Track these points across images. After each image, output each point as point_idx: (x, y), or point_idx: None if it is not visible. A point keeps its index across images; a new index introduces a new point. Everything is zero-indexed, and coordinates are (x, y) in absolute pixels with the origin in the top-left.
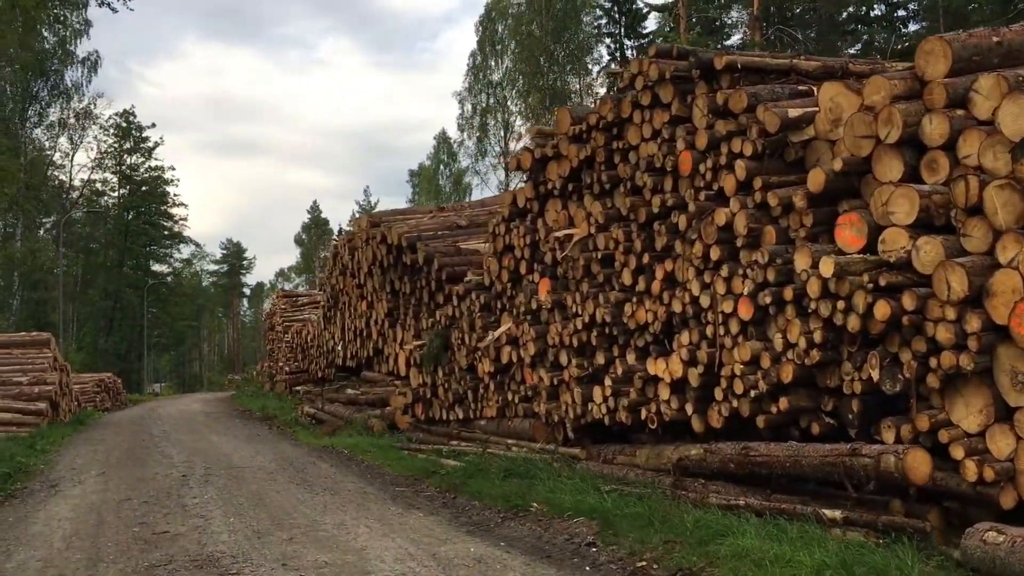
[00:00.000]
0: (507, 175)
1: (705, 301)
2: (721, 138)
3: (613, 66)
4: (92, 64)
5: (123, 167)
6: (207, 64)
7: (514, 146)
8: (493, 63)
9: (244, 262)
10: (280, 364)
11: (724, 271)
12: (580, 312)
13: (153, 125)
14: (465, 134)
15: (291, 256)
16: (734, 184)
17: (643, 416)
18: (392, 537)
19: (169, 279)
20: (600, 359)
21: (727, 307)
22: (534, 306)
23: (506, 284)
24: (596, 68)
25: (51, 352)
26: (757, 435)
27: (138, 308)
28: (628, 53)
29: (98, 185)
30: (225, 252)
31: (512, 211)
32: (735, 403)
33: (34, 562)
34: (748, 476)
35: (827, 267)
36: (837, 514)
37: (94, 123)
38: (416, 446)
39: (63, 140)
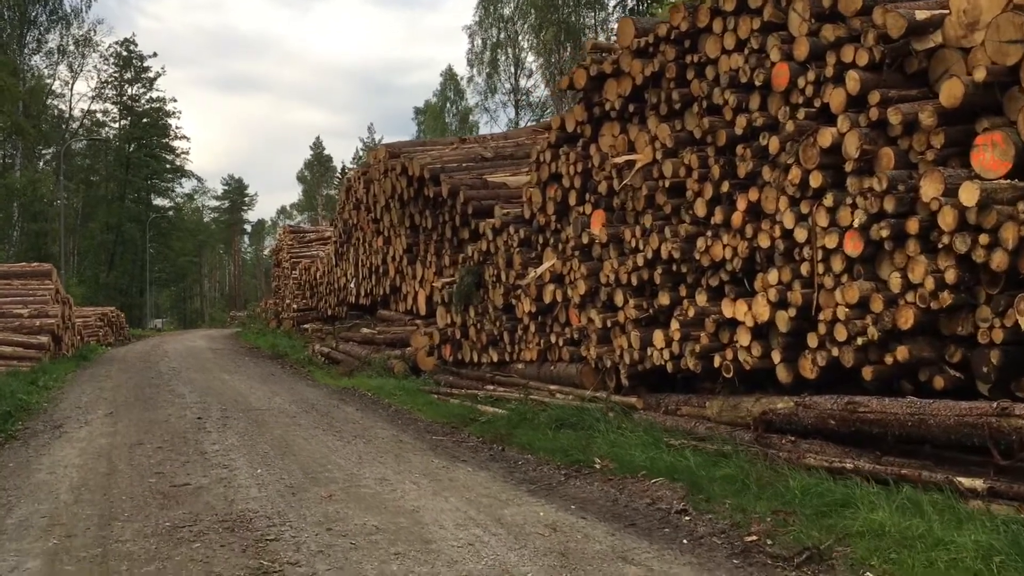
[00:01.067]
0: (517, 113)
1: (801, 235)
2: (828, 46)
3: None
4: None
5: (124, 97)
6: None
7: (525, 83)
8: None
9: (246, 199)
10: (287, 301)
11: (828, 200)
12: (641, 247)
13: (154, 55)
14: (475, 70)
15: (293, 194)
16: (843, 99)
17: (716, 364)
18: (445, 496)
19: (171, 213)
20: (664, 299)
21: (830, 242)
22: (585, 240)
23: (551, 216)
24: (612, 2)
25: (53, 284)
26: (854, 387)
27: (139, 242)
28: None
29: (99, 115)
30: (227, 188)
31: (560, 136)
32: (835, 351)
33: (38, 518)
34: (850, 435)
35: (970, 195)
36: (977, 484)
37: (94, 51)
38: (447, 390)
39: (62, 68)
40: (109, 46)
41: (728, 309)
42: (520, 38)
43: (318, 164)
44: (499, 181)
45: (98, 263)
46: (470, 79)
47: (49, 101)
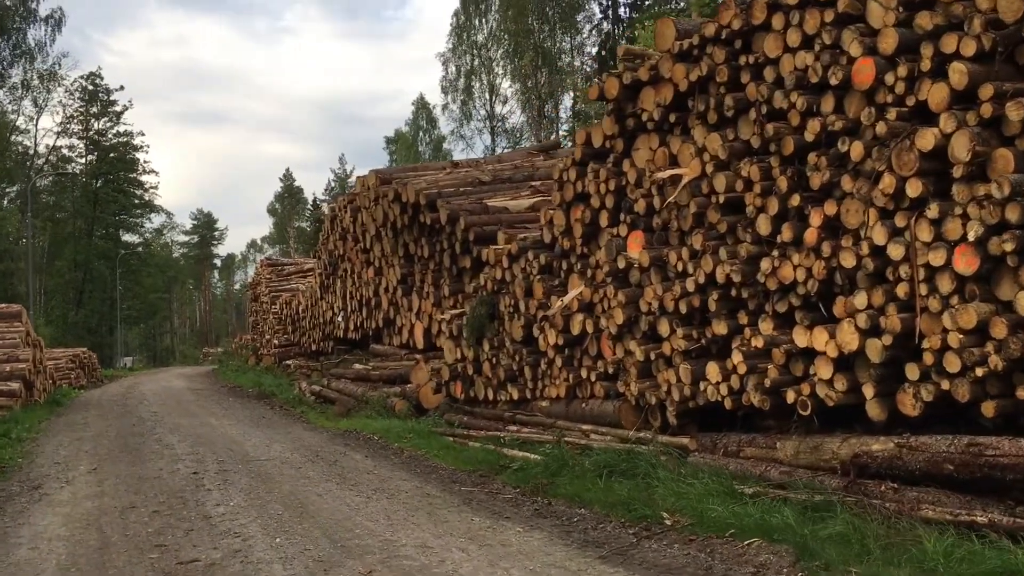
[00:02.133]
0: (493, 139)
1: (896, 252)
2: (922, 36)
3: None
4: (56, 22)
5: (90, 132)
6: (171, 33)
7: (500, 109)
8: (477, 22)
9: (215, 233)
10: (267, 337)
11: (932, 211)
12: (691, 271)
13: (121, 88)
14: (449, 97)
15: (263, 227)
16: (945, 96)
17: (791, 399)
18: (504, 567)
19: (140, 249)
20: (720, 328)
21: (935, 259)
22: (621, 265)
23: (577, 240)
24: (588, 27)
25: (23, 326)
26: (954, 424)
27: (109, 279)
28: (620, 11)
29: (64, 151)
30: (196, 222)
31: (585, 153)
32: (944, 384)
33: None
34: (969, 482)
35: None
36: None
37: (59, 85)
38: (463, 431)
39: (27, 103)
40: (75, 80)
41: (802, 338)
42: (494, 64)
43: (289, 196)
44: (500, 205)
45: (66, 302)
46: (444, 107)
47: (13, 137)
